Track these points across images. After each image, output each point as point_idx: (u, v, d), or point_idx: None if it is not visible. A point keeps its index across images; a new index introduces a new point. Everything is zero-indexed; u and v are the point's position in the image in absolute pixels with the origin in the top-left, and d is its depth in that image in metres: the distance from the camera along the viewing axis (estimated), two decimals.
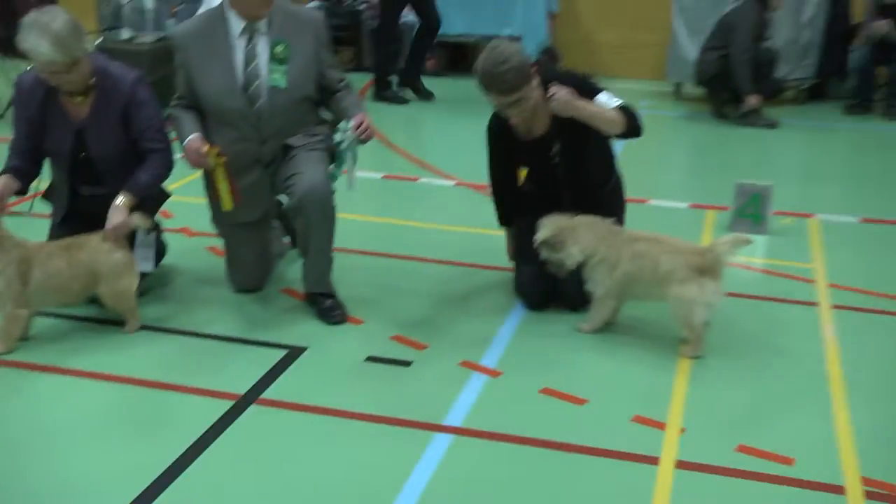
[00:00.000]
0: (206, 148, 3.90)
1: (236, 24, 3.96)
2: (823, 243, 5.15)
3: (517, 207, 4.33)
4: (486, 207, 4.59)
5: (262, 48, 3.97)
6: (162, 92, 4.19)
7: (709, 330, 3.82)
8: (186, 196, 5.09)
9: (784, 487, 2.96)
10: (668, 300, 3.80)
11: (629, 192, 4.42)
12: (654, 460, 3.08)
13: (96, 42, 7.59)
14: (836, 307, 4.30)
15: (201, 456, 3.05)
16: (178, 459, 3.01)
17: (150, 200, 4.10)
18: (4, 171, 3.95)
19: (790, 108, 8.78)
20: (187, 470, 2.96)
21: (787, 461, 3.09)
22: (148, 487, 2.86)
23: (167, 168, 4.05)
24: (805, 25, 8.70)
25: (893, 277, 4.66)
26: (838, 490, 2.94)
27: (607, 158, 4.23)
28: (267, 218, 4.30)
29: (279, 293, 4.35)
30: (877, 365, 3.78)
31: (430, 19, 8.52)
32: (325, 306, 4.09)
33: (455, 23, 9.38)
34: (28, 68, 4.07)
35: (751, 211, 5.27)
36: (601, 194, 4.17)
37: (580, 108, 3.87)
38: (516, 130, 4.07)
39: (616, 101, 3.92)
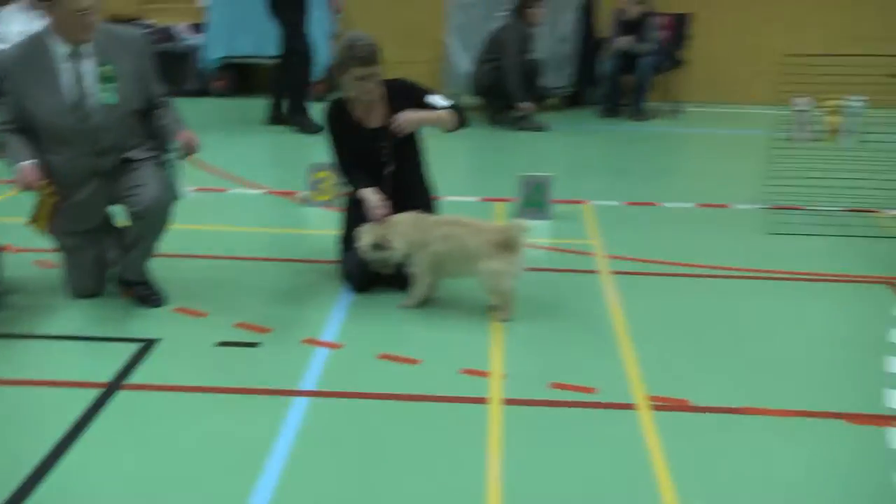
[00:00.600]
0: (40, 181, 4.13)
1: (61, 49, 4.19)
2: (597, 224, 5.95)
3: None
4: (295, 210, 5.03)
5: (89, 69, 4.22)
6: None
7: (515, 298, 4.44)
8: (3, 216, 5.20)
9: (591, 409, 3.61)
10: (477, 274, 4.40)
11: None
12: (484, 400, 3.65)
13: None
14: (614, 273, 5.06)
15: (76, 442, 3.29)
16: (53, 450, 3.23)
17: None
18: None
19: (553, 113, 9.74)
20: (65, 457, 3.20)
21: (590, 391, 3.74)
22: (25, 482, 3.05)
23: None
24: (561, 40, 9.70)
25: (653, 246, 5.50)
26: (631, 406, 3.62)
27: (422, 157, 4.81)
28: (103, 225, 4.54)
29: (118, 296, 4.60)
30: (650, 314, 4.53)
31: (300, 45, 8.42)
32: (146, 293, 4.47)
33: (241, 45, 9.71)
34: None
35: (535, 199, 6.00)
36: (419, 187, 4.74)
37: (422, 118, 4.47)
38: (354, 116, 4.59)
39: (446, 102, 4.56)
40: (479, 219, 4.58)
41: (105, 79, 4.24)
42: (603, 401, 3.67)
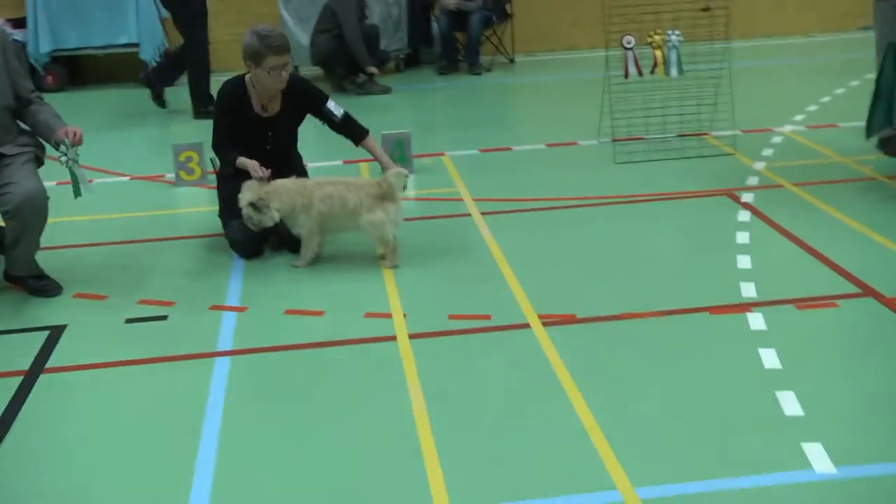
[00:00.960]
0: None
1: None
2: (458, 173, 6.30)
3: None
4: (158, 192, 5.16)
5: None
6: None
7: (399, 244, 4.74)
8: None
9: (490, 333, 3.97)
10: (361, 227, 4.67)
11: None
12: (392, 338, 3.95)
13: None
14: (484, 213, 5.43)
15: (12, 428, 3.40)
16: None
17: None
18: None
19: (394, 76, 10.02)
20: (4, 442, 3.30)
21: (486, 317, 4.10)
22: None
23: None
24: (393, 3, 9.96)
25: (514, 186, 5.93)
26: (526, 326, 4.00)
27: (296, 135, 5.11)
28: None
29: (6, 289, 4.62)
30: (523, 245, 4.93)
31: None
32: (41, 284, 4.55)
33: (68, 37, 9.51)
34: None
35: (397, 155, 6.28)
36: (295, 161, 5.01)
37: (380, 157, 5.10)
38: (251, 102, 4.81)
39: (340, 111, 4.97)
40: (353, 176, 4.84)
41: None
42: (499, 324, 4.03)
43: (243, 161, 4.75)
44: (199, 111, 8.19)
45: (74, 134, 4.35)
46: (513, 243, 4.94)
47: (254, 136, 4.88)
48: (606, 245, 4.93)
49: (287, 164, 4.95)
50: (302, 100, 4.96)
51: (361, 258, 4.83)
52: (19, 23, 9.83)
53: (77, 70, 10.20)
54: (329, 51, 9.00)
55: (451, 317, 4.11)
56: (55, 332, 4.13)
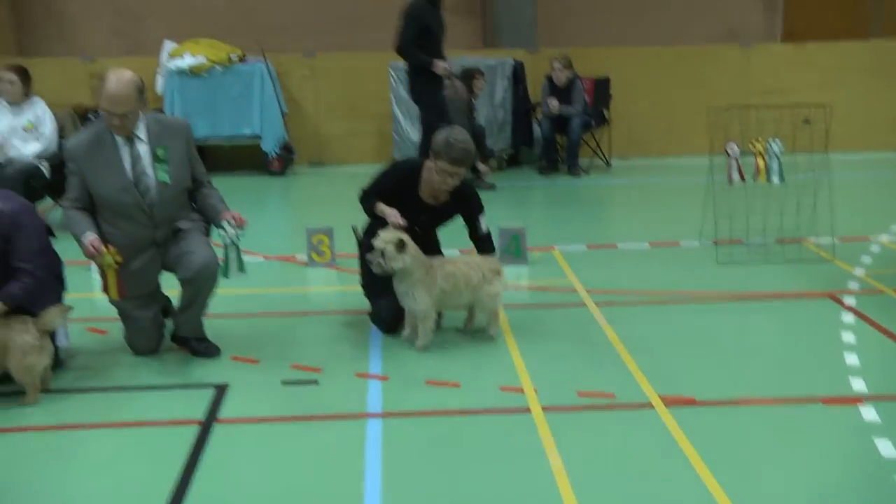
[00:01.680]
0: (104, 248, 4.67)
1: (119, 136, 4.80)
2: (569, 266, 6.71)
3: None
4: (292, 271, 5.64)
5: (144, 152, 4.84)
6: None
7: (519, 327, 5.14)
8: None
9: (617, 411, 4.32)
10: (478, 300, 5.15)
11: None
12: (526, 410, 4.32)
13: None
14: (598, 304, 5.82)
15: (198, 470, 3.83)
16: (180, 479, 3.75)
17: (53, 294, 4.75)
18: None
19: (496, 174, 10.57)
20: (193, 484, 3.72)
21: (609, 395, 4.45)
22: None
23: (38, 286, 4.58)
24: (498, 106, 10.59)
25: (623, 279, 6.32)
26: (648, 405, 4.34)
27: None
28: (158, 289, 5.08)
29: (174, 350, 5.12)
30: (639, 332, 5.28)
31: None
32: (203, 346, 5.05)
33: (199, 127, 10.27)
34: None
35: (513, 248, 6.74)
36: (434, 245, 5.49)
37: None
38: (418, 186, 5.24)
39: (486, 228, 5.39)
40: (461, 256, 5.44)
41: (158, 160, 4.83)
42: (624, 402, 4.38)
43: (382, 208, 5.14)
44: None
45: (237, 218, 4.88)
46: (628, 331, 5.30)
47: (408, 212, 5.20)
48: (716, 336, 5.27)
49: (427, 245, 5.36)
50: (466, 202, 5.34)
51: (466, 332, 5.33)
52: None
53: (204, 156, 10.93)
54: None
55: (579, 393, 4.47)
56: (220, 390, 4.59)
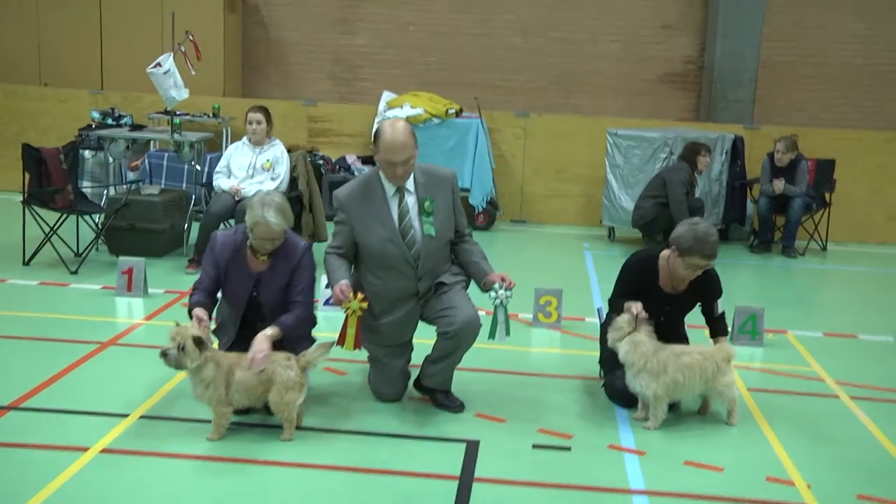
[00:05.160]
0: (351, 294, 4.67)
1: (389, 188, 4.83)
2: (808, 352, 6.34)
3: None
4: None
5: (412, 204, 4.85)
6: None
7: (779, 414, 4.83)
8: None
9: None
10: (712, 390, 4.94)
11: None
12: None
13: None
14: (853, 398, 5.43)
15: None
16: None
17: (309, 331, 4.83)
18: (195, 305, 4.59)
19: None
20: None
21: None
22: None
23: (307, 318, 4.78)
24: (714, 181, 10.29)
25: (875, 374, 5.90)
26: None
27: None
28: (411, 340, 5.04)
29: (413, 399, 5.05)
30: None
31: None
32: (449, 400, 4.98)
33: None
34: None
35: (749, 328, 6.42)
36: (681, 334, 5.29)
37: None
38: (659, 277, 5.11)
39: (721, 308, 5.22)
40: (700, 345, 5.18)
41: (426, 213, 4.83)
42: None
43: (628, 305, 5.00)
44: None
45: (507, 280, 4.80)
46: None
47: (653, 304, 5.07)
48: None
49: (673, 335, 5.17)
50: (708, 288, 5.17)
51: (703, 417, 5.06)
52: (366, 160, 10.91)
53: None
54: (653, 217, 9.37)
55: (860, 497, 4.13)
56: (472, 446, 4.48)
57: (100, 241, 8.08)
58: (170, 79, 8.14)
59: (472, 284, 4.97)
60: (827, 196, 10.46)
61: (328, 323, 5.74)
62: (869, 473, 4.44)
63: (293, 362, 4.48)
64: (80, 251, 7.86)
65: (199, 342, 4.35)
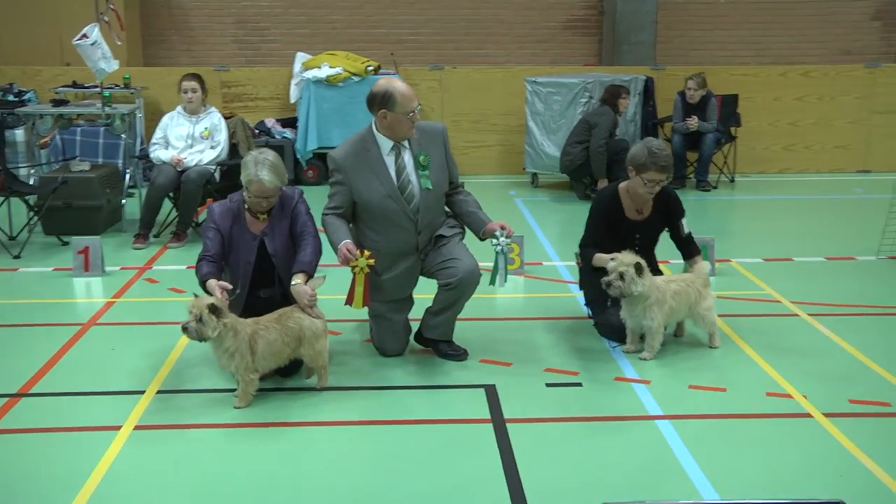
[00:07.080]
0: (357, 252, 4.77)
1: (385, 144, 4.92)
2: (758, 277, 6.76)
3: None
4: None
5: (408, 159, 4.95)
6: None
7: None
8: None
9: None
10: (695, 315, 5.27)
11: None
12: (800, 415, 4.39)
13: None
14: (812, 315, 5.86)
15: (519, 465, 3.94)
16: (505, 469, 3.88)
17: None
18: (207, 276, 4.60)
19: None
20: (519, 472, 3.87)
21: (886, 404, 4.49)
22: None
23: (320, 246, 4.85)
24: (630, 122, 10.65)
25: (819, 293, 6.35)
26: None
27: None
28: (412, 294, 5.17)
29: (415, 352, 5.20)
30: (872, 344, 5.32)
31: None
32: (452, 349, 5.16)
33: (332, 136, 10.35)
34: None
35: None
36: (653, 261, 5.53)
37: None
38: (623, 206, 5.35)
39: (687, 229, 5.48)
40: (686, 274, 5.47)
41: (421, 167, 4.94)
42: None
43: (600, 257, 5.26)
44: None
45: (504, 227, 4.96)
46: (860, 341, 5.34)
47: (624, 236, 5.36)
48: None
49: (649, 264, 5.43)
50: (670, 208, 5.44)
51: (691, 342, 5.40)
52: (286, 122, 10.83)
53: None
54: (582, 161, 9.66)
55: (851, 401, 4.52)
56: (490, 390, 4.67)
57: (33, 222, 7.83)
58: (97, 50, 7.89)
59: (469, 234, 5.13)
60: (733, 130, 11.00)
61: None
62: (851, 380, 4.84)
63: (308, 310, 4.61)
64: (14, 234, 7.63)
65: (215, 309, 4.36)
